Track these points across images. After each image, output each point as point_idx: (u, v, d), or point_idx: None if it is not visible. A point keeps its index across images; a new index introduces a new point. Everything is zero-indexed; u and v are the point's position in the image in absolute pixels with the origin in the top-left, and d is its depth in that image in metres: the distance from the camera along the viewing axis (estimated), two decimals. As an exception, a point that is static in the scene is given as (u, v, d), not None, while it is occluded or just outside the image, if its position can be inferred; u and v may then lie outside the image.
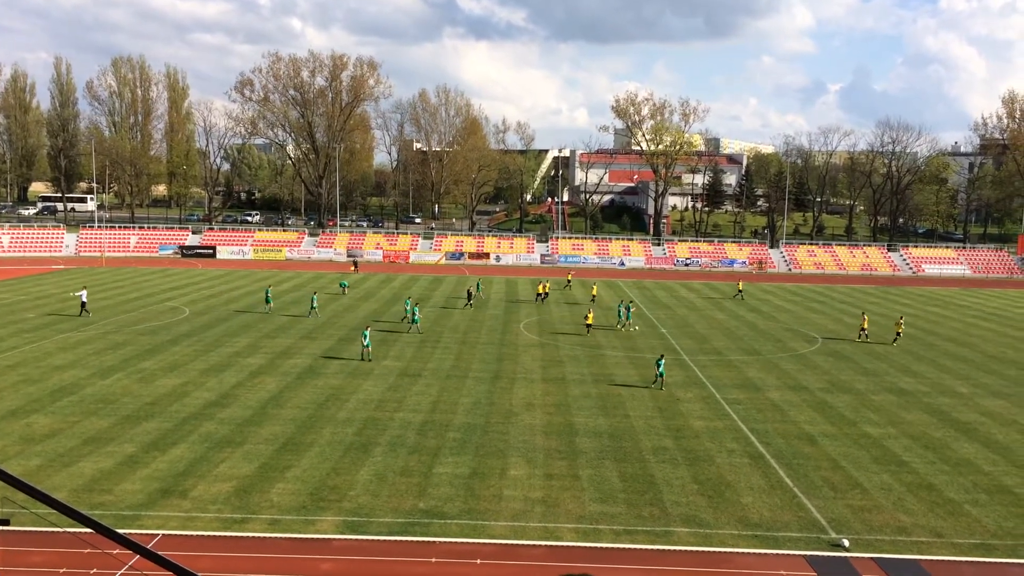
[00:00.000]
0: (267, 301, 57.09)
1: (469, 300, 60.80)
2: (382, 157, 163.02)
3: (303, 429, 29.13)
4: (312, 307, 54.69)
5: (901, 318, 54.59)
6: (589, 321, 50.14)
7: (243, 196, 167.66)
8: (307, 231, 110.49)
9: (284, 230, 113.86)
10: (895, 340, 49.65)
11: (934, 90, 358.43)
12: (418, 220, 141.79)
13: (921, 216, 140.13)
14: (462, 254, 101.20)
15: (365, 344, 40.97)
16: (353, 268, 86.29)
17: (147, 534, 20.19)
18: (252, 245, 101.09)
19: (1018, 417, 33.30)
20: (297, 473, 24.67)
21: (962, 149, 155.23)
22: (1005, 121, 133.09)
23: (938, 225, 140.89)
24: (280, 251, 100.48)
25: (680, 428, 30.43)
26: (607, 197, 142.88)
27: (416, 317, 49.54)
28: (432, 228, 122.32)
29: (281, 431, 28.84)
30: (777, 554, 20.20)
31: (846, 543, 20.68)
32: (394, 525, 21.11)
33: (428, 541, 20.31)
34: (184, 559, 17.91)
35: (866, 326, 50.89)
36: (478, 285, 69.43)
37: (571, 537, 20.75)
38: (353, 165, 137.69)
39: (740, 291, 71.06)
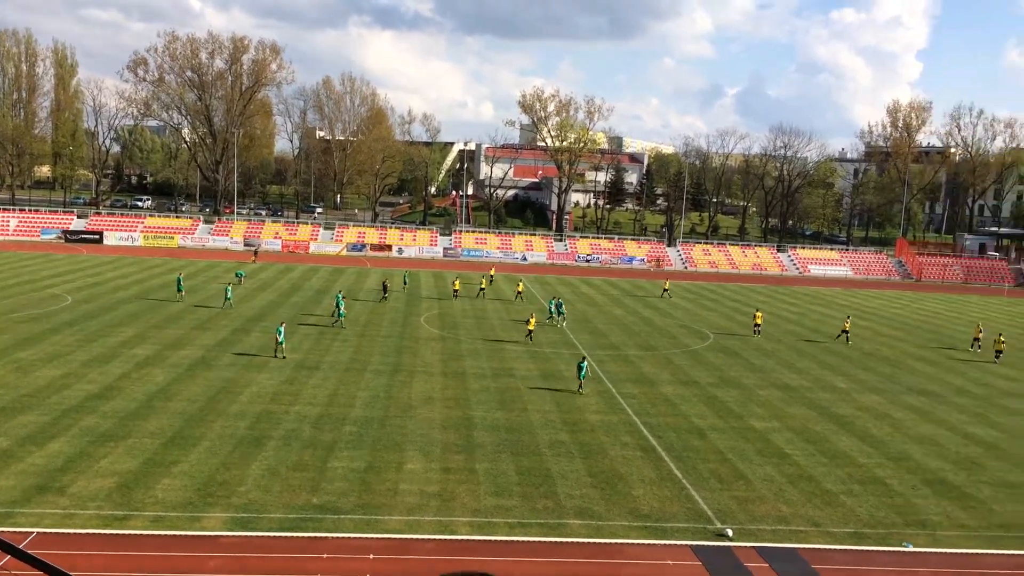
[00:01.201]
0: (179, 289, 55.15)
1: (384, 293, 59.98)
2: (283, 144, 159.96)
3: (192, 423, 28.29)
4: (227, 298, 53.06)
5: (848, 318, 57.09)
6: (531, 327, 46.77)
7: (134, 180, 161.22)
8: (202, 218, 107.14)
9: (177, 216, 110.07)
10: (840, 336, 52.59)
11: (824, 97, 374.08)
12: (319, 210, 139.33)
13: (809, 219, 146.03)
14: (364, 245, 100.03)
15: (279, 341, 39.39)
16: (253, 257, 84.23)
17: (20, 532, 19.25)
18: (142, 231, 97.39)
19: (891, 411, 35.16)
20: (184, 468, 23.95)
21: (848, 155, 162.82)
22: (888, 130, 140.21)
23: (824, 228, 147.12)
24: (172, 238, 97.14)
25: (576, 422, 30.92)
26: (511, 192, 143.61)
27: (342, 311, 48.69)
28: (334, 219, 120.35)
29: (168, 425, 27.94)
30: (665, 544, 20.78)
31: (730, 533, 21.46)
32: (285, 521, 20.75)
33: (320, 537, 20.05)
34: (60, 558, 17.20)
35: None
36: (404, 278, 69.00)
37: (466, 531, 20.84)
38: (253, 151, 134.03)
39: (666, 290, 72.51)
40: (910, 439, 31.15)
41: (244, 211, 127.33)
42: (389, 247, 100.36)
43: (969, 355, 50.01)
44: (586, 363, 36.24)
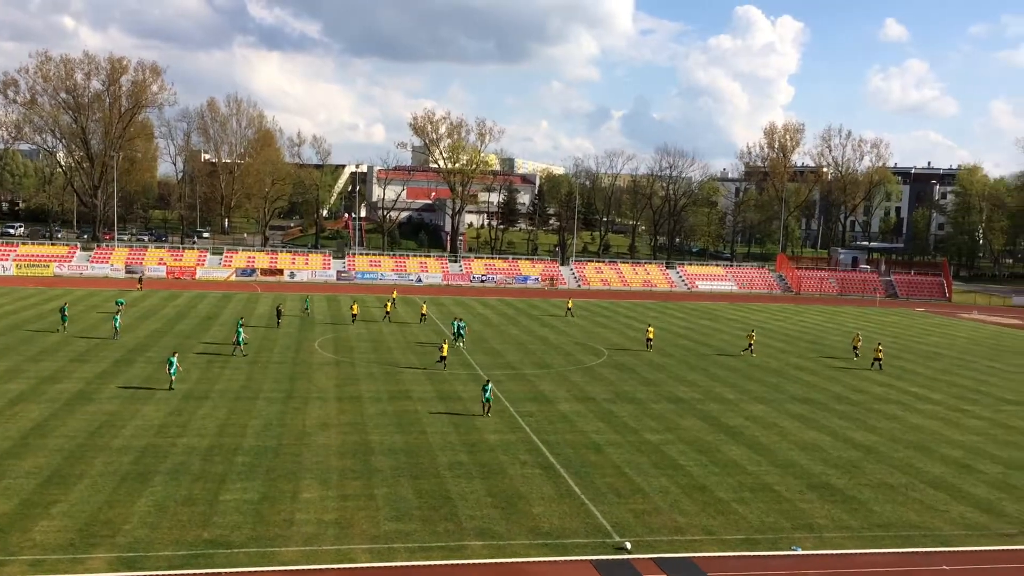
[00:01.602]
0: (63, 320, 52.28)
1: (279, 318, 58.43)
2: (167, 167, 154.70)
3: (72, 460, 26.86)
4: (115, 328, 50.61)
5: (753, 331, 58.81)
6: (444, 353, 45.32)
7: (5, 206, 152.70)
8: (80, 245, 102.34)
9: (52, 244, 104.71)
10: (747, 349, 54.11)
11: (705, 120, 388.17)
12: (206, 235, 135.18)
13: (695, 236, 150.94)
14: (254, 270, 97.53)
15: (171, 372, 37.66)
16: (138, 285, 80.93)
17: None
18: (15, 260, 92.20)
19: (777, 420, 36.55)
20: (64, 508, 22.69)
21: (730, 175, 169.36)
22: (766, 151, 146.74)
23: (709, 245, 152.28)
24: (48, 266, 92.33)
25: (475, 442, 30.89)
26: (405, 214, 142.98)
27: (242, 338, 47.22)
28: (222, 243, 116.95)
29: (46, 463, 26.45)
30: (566, 560, 20.95)
31: (628, 546, 21.81)
32: (175, 558, 19.92)
33: (213, 573, 19.33)
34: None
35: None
36: (306, 302, 67.56)
37: (365, 558, 20.48)
38: (134, 175, 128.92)
39: (569, 308, 73.21)
40: (796, 446, 32.43)
41: (125, 237, 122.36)
42: (280, 271, 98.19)
43: (847, 363, 52.51)
44: (490, 386, 35.85)
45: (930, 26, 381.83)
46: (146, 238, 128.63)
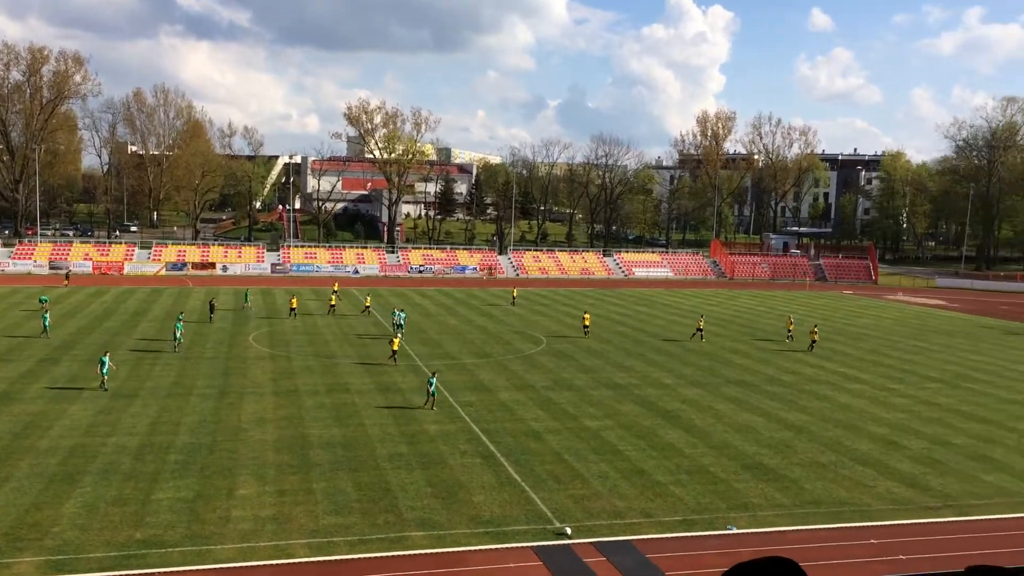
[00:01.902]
0: None
1: (211, 313, 57.27)
2: (91, 160, 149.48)
3: (-4, 463, 25.96)
4: (44, 327, 48.87)
5: (702, 316, 60.04)
6: (395, 347, 44.13)
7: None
8: (0, 241, 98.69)
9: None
10: (695, 334, 55.00)
11: (639, 109, 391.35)
12: (134, 229, 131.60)
13: (631, 223, 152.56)
14: (185, 264, 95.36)
15: (103, 372, 36.19)
16: (65, 281, 78.42)
17: None
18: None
19: (713, 403, 37.23)
20: (-12, 513, 21.93)
21: (664, 163, 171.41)
22: (699, 138, 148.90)
23: (645, 232, 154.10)
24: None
25: (415, 433, 30.78)
26: (340, 205, 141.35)
27: (179, 335, 46.15)
28: (151, 237, 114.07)
29: (-32, 467, 25.51)
30: (507, 548, 21.05)
31: (568, 531, 22.02)
32: (106, 560, 19.43)
33: (146, 573, 18.90)
34: None
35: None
36: (246, 296, 66.34)
37: (304, 553, 20.26)
38: (57, 168, 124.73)
39: (514, 298, 73.38)
40: (730, 428, 33.09)
41: (49, 232, 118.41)
42: (213, 265, 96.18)
43: (780, 346, 53.72)
44: (435, 379, 35.17)
45: (855, 15, 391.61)
46: (71, 233, 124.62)
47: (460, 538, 21.50)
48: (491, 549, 20.95)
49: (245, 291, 70.00)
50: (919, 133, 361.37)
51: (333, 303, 63.69)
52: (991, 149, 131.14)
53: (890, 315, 74.50)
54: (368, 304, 64.04)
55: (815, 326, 55.69)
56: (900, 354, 52.27)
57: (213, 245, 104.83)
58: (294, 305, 61.01)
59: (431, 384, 34.68)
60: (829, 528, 23.04)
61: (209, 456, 27.32)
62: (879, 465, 28.69)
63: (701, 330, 55.35)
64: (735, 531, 22.56)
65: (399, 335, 51.47)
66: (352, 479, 25.51)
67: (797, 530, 22.81)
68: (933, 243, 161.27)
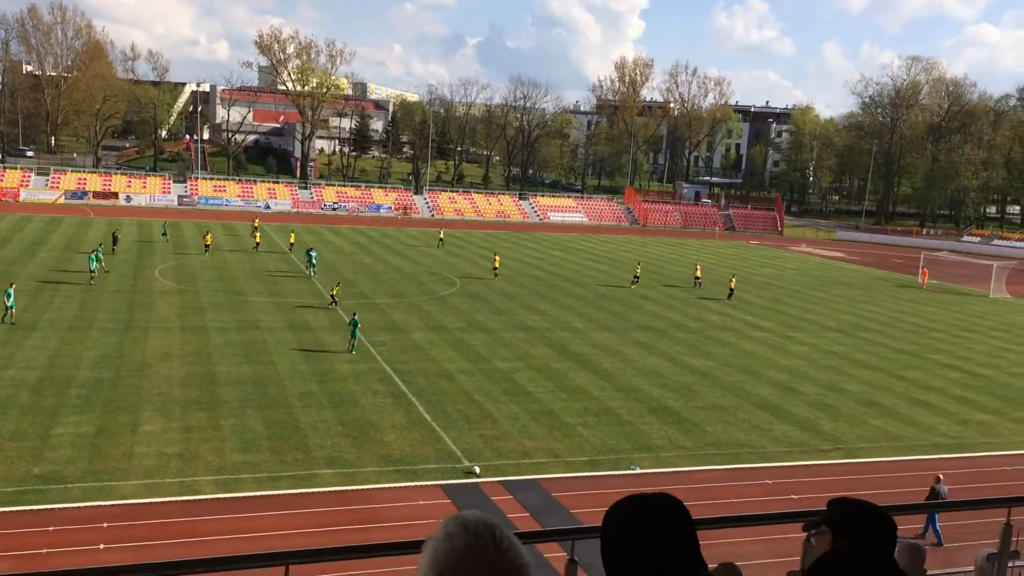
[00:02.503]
0: None
1: (114, 244, 55.15)
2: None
3: None
4: None
5: (639, 263, 61.16)
6: (334, 292, 42.83)
7: None
8: None
9: None
10: (634, 282, 56.04)
11: (559, 51, 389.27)
12: (30, 154, 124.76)
13: (548, 168, 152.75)
14: (86, 193, 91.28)
15: (9, 305, 34.48)
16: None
17: None
18: None
19: (622, 348, 38.09)
20: None
21: (582, 108, 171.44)
22: (617, 85, 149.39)
23: (562, 177, 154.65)
24: None
25: (326, 372, 30.60)
26: (252, 137, 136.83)
27: (95, 266, 44.56)
28: (49, 163, 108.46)
29: None
30: (416, 486, 21.30)
31: (477, 470, 22.40)
32: (3, 495, 18.87)
33: (45, 509, 18.47)
34: None
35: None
36: (164, 228, 64.37)
37: (210, 489, 20.09)
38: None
39: (441, 239, 72.91)
40: (638, 372, 33.98)
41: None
42: (115, 195, 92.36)
43: (688, 293, 55.12)
44: (357, 318, 34.56)
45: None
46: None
47: (370, 476, 21.64)
48: (400, 487, 21.18)
49: (163, 224, 67.63)
50: (828, 88, 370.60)
51: (258, 240, 62.08)
52: (895, 107, 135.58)
53: (793, 266, 77.15)
54: (292, 241, 62.81)
55: (733, 275, 57.49)
56: (801, 303, 54.33)
57: (116, 174, 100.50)
58: (208, 241, 59.07)
59: (354, 326, 33.98)
60: (728, 469, 24.08)
61: (112, 391, 26.62)
62: (776, 410, 29.99)
63: (637, 277, 57.10)
64: (638, 471, 23.34)
65: (311, 273, 50.74)
66: (261, 416, 25.28)
67: (698, 470, 23.76)
68: (837, 197, 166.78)
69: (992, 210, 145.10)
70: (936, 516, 19.84)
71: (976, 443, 27.88)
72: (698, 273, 58.43)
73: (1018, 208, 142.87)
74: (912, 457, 25.73)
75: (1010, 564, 6.96)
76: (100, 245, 51.87)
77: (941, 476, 21.23)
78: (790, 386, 33.37)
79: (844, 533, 2.87)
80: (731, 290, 54.36)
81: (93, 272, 44.26)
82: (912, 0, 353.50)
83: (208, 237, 59.65)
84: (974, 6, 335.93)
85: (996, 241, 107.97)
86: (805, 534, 3.18)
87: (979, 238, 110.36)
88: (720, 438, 26.54)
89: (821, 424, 28.69)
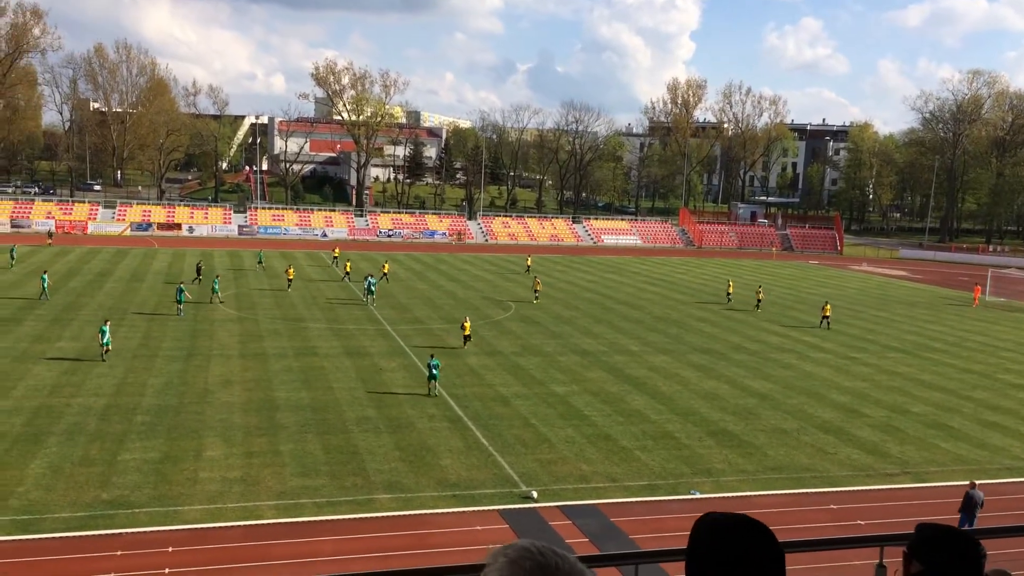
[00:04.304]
0: (43, 290, 47.69)
1: (198, 275, 56.40)
2: (52, 116, 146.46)
3: (-43, 423, 25.63)
4: (43, 289, 47.38)
5: (760, 286, 61.58)
6: (466, 332, 40.16)
7: None
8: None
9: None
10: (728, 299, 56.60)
11: (609, 75, 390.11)
12: (98, 187, 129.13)
13: (601, 191, 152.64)
14: (150, 224, 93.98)
15: (104, 342, 34.30)
16: (48, 239, 77.17)
17: None
18: None
19: (679, 371, 37.66)
20: (-50, 473, 21.70)
21: (634, 130, 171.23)
22: (669, 106, 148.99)
23: (615, 199, 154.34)
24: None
25: (383, 397, 30.83)
26: (308, 167, 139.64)
27: (216, 287, 49.72)
28: (115, 196, 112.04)
29: (-72, 427, 25.16)
30: (473, 511, 21.26)
31: (535, 495, 22.27)
32: (72, 520, 19.35)
33: (113, 534, 18.87)
34: None
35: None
36: (260, 257, 66.67)
37: (271, 514, 20.33)
38: (16, 124, 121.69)
39: (529, 267, 72.46)
40: (696, 395, 33.53)
41: (9, 190, 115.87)
42: (179, 226, 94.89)
43: (745, 315, 54.29)
44: (436, 361, 31.87)
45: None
46: (32, 190, 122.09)
47: (427, 501, 21.67)
48: (458, 512, 21.16)
49: (259, 253, 69.68)
50: (885, 104, 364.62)
51: (348, 270, 62.42)
52: (956, 122, 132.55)
53: (854, 285, 75.56)
54: (348, 270, 62.78)
55: (759, 287, 59.90)
56: (863, 324, 53.13)
57: (179, 206, 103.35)
58: (291, 276, 56.05)
59: (434, 368, 31.42)
60: (791, 493, 23.54)
61: (176, 418, 27.19)
62: (840, 432, 29.27)
63: (730, 295, 58.77)
64: (699, 496, 22.96)
65: (369, 300, 51.15)
66: (320, 442, 25.55)
67: (760, 495, 23.28)
68: (898, 214, 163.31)
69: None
70: (975, 518, 20.18)
71: (1052, 466, 26.83)
72: (731, 289, 60.33)
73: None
74: (985, 481, 24.82)
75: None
76: (217, 276, 54.62)
77: (976, 483, 21.28)
78: (854, 408, 32.57)
79: (918, 558, 2.82)
80: (759, 300, 56.50)
81: (180, 303, 45.03)
82: (970, 13, 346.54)
83: (290, 271, 57.15)
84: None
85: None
86: (876, 560, 3.12)
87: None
88: (782, 462, 25.99)
89: (887, 447, 27.91)
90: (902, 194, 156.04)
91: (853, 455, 26.93)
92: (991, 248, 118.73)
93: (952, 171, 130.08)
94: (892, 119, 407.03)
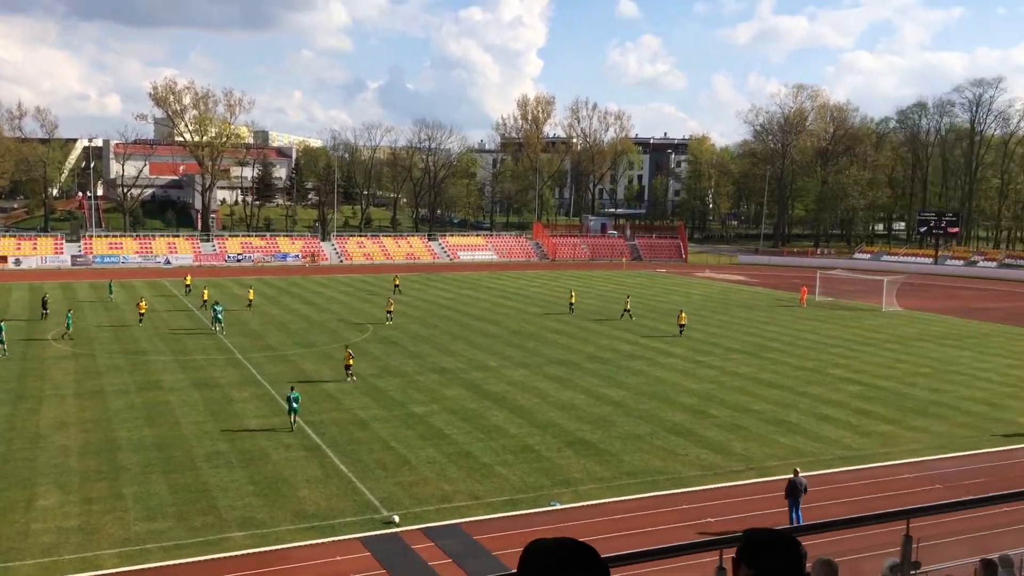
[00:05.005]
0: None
1: (44, 309, 52.71)
2: None
3: None
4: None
5: (628, 297, 61.68)
6: (348, 362, 38.08)
7: None
8: None
9: None
10: (623, 315, 57.64)
11: (459, 92, 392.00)
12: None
13: (455, 207, 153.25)
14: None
15: None
16: None
17: None
18: None
19: (537, 383, 38.20)
20: None
21: (487, 146, 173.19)
22: (519, 122, 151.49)
23: (470, 216, 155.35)
24: None
25: (235, 430, 29.69)
26: (148, 191, 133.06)
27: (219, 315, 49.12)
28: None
29: None
30: (333, 541, 20.76)
31: (396, 519, 22.00)
32: None
33: (-69, 600, 17.27)
34: None
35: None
36: (110, 287, 62.62)
37: (113, 563, 19.14)
38: None
39: (396, 286, 71.45)
40: (553, 406, 34.10)
41: None
42: (4, 259, 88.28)
43: (599, 324, 55.75)
44: (296, 394, 30.36)
45: (659, 3, 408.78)
46: None
47: (284, 535, 21.01)
48: (317, 544, 20.61)
49: (109, 283, 65.81)
50: (721, 118, 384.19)
51: (205, 298, 59.31)
52: (784, 133, 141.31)
53: (698, 291, 79.06)
54: (205, 297, 59.85)
55: (627, 296, 61.26)
56: (707, 328, 55.61)
57: (4, 236, 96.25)
58: (143, 310, 52.96)
59: (294, 401, 29.96)
60: (645, 497, 24.28)
61: (3, 466, 25.20)
62: (689, 434, 30.48)
63: (628, 310, 58.32)
64: (559, 507, 23.32)
65: (217, 329, 49.22)
66: (166, 481, 24.31)
67: (615, 501, 23.89)
68: (736, 222, 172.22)
69: (880, 227, 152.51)
70: (799, 503, 21.82)
71: (876, 453, 28.92)
72: (572, 299, 62.84)
73: (903, 225, 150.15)
74: (820, 472, 26.45)
75: (912, 573, 7.20)
76: (217, 302, 52.98)
77: (798, 469, 23.05)
78: (701, 409, 34.00)
79: (747, 562, 3.02)
80: (626, 310, 58.09)
81: (1, 343, 41.65)
82: (793, 32, 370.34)
83: (142, 304, 54.02)
84: (850, 35, 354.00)
85: (885, 257, 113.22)
86: (715, 563, 3.28)
87: (869, 255, 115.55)
88: (637, 467, 26.79)
89: (732, 445, 29.27)
90: (739, 203, 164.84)
91: (702, 455, 28.09)
92: (818, 251, 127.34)
93: (782, 180, 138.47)
94: (728, 131, 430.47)
